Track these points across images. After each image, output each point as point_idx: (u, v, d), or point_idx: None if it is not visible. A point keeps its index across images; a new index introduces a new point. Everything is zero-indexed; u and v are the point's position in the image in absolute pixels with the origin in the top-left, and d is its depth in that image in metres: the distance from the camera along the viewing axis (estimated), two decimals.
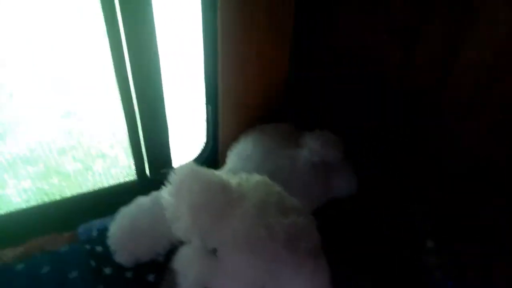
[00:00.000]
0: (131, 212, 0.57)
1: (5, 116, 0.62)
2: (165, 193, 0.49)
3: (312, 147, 0.65)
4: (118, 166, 0.91)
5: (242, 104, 0.72)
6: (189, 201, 0.46)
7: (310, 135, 0.67)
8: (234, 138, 0.72)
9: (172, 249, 0.58)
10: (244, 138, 0.68)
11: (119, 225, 0.57)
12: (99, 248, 0.60)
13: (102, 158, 0.86)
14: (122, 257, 0.57)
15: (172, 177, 0.47)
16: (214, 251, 0.47)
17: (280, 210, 0.46)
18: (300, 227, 0.46)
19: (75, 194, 0.77)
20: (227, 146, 0.72)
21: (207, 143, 0.86)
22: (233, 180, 0.48)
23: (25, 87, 0.60)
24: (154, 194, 0.58)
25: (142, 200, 0.58)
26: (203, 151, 0.87)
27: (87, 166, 0.86)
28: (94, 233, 0.63)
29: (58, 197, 0.76)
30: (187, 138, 0.91)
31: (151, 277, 0.57)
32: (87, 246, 0.61)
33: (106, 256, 0.59)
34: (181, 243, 0.57)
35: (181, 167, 0.47)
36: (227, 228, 0.45)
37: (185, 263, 0.48)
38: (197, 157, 0.86)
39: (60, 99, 0.68)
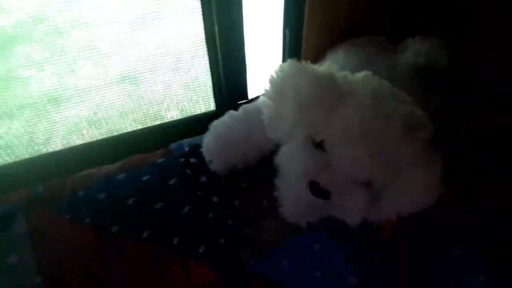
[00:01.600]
0: (225, 122, 0.57)
1: (69, 80, 0.64)
2: (264, 95, 0.48)
3: (416, 49, 0.61)
4: None
5: (327, 23, 0.68)
6: (297, 96, 0.45)
7: (414, 39, 0.63)
8: (316, 60, 0.69)
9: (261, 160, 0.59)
10: (333, 53, 0.65)
11: (213, 134, 0.58)
12: (193, 160, 0.61)
13: (160, 120, 0.87)
14: (217, 165, 0.58)
15: (273, 78, 0.45)
16: (321, 145, 0.46)
17: (396, 99, 0.43)
18: (417, 117, 0.43)
19: (155, 124, 0.79)
20: None
21: None
22: (339, 74, 0.46)
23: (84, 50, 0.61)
24: (244, 106, 0.58)
25: (233, 112, 0.59)
26: None
27: None
28: (186, 149, 0.65)
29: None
30: (261, 66, 0.89)
31: (244, 184, 0.57)
32: (182, 159, 0.62)
33: (201, 166, 0.60)
34: (272, 152, 0.57)
35: (282, 65, 0.45)
36: (340, 118, 0.43)
37: (289, 158, 0.47)
38: None
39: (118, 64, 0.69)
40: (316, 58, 0.73)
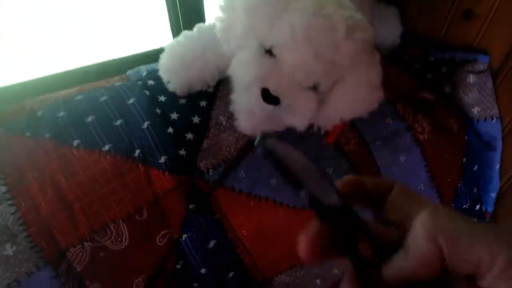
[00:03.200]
0: (179, 42, 0.58)
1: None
2: (217, 9, 0.49)
3: None
4: None
5: None
6: (245, 2, 0.47)
7: None
8: None
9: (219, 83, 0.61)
10: None
11: (169, 55, 0.59)
12: (151, 82, 0.62)
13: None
14: (175, 85, 0.60)
15: None
16: (270, 52, 0.49)
17: (338, 4, 0.46)
18: (358, 19, 0.46)
19: (116, 58, 0.78)
20: None
21: None
22: None
23: None
24: (198, 25, 0.59)
25: (188, 32, 0.60)
26: None
27: None
28: (144, 73, 0.65)
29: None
30: None
31: (203, 103, 0.60)
32: (140, 82, 0.63)
33: (159, 88, 0.62)
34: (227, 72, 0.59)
35: None
36: (285, 23, 0.46)
37: (241, 67, 0.50)
38: None
39: None
40: None
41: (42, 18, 0.70)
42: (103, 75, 0.73)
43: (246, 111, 0.55)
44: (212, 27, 0.57)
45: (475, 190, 0.78)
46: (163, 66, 0.60)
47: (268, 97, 0.49)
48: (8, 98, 0.62)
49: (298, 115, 0.51)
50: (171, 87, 0.60)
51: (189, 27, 0.79)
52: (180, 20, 0.81)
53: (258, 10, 0.46)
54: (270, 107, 0.50)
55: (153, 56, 0.76)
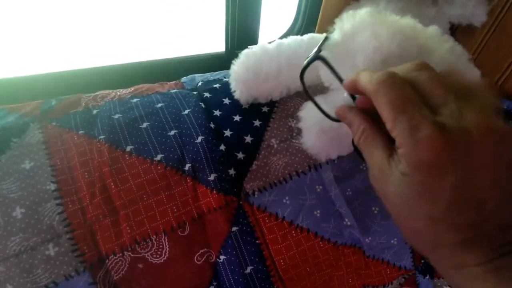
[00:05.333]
0: (256, 53, 0.57)
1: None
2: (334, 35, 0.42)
3: (465, 3, 0.61)
4: None
5: None
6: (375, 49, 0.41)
7: None
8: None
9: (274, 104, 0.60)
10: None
11: (244, 64, 0.58)
12: (207, 94, 0.61)
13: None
14: (241, 95, 0.59)
15: (341, 25, 0.41)
16: None
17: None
18: None
19: (170, 57, 0.78)
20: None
21: (295, 20, 0.84)
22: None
23: None
24: (278, 41, 0.58)
25: (266, 45, 0.58)
26: (291, 28, 0.85)
27: None
28: (199, 83, 0.65)
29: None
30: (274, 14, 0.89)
31: (257, 123, 0.58)
32: (195, 93, 0.62)
33: (215, 101, 0.61)
34: (297, 93, 0.58)
35: (355, 13, 0.41)
36: None
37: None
38: (285, 33, 0.85)
39: None
40: (338, 9, 0.73)
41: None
42: (150, 74, 0.73)
43: (316, 130, 0.53)
44: (290, 45, 0.56)
45: None
46: (235, 74, 0.59)
47: None
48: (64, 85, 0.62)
49: None
50: (237, 95, 0.60)
51: (242, 41, 0.78)
52: (236, 33, 0.80)
53: (391, 61, 0.40)
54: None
55: (204, 62, 0.76)
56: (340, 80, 0.34)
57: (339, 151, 0.56)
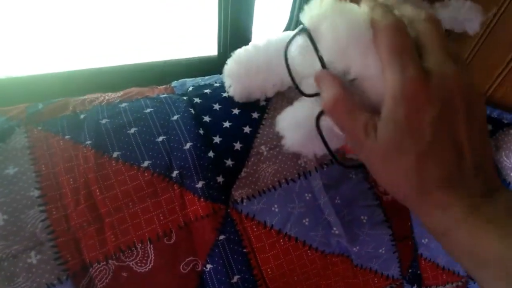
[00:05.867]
0: (248, 50, 0.57)
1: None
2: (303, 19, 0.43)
3: (459, 7, 0.61)
4: None
5: None
6: (334, 37, 0.43)
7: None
8: None
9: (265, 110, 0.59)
10: None
11: (236, 60, 0.58)
12: (197, 100, 0.61)
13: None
14: (235, 90, 0.59)
15: (309, 13, 0.43)
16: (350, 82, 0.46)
17: None
18: None
19: (161, 60, 0.78)
20: None
21: (288, 25, 0.84)
22: None
23: None
24: (268, 37, 0.58)
25: (256, 42, 0.59)
26: (286, 29, 0.85)
27: None
28: (190, 88, 0.64)
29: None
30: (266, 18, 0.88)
31: (247, 129, 0.58)
32: (185, 98, 0.62)
33: (205, 107, 0.60)
34: (288, 99, 0.58)
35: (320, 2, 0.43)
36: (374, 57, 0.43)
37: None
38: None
39: None
40: None
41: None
42: (141, 76, 0.72)
43: (293, 125, 0.53)
44: (280, 39, 0.56)
45: None
46: (228, 70, 0.59)
47: None
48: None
49: None
50: (231, 91, 0.60)
51: (235, 45, 0.78)
52: (228, 36, 0.79)
53: (348, 47, 0.43)
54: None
55: (196, 65, 0.75)
56: (320, 59, 0.38)
57: (321, 149, 0.55)
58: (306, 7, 0.44)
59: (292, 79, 0.43)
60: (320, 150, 0.55)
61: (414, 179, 0.29)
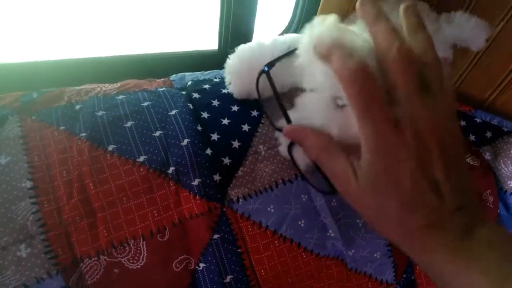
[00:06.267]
0: (252, 47, 0.56)
1: None
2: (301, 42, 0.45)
3: (461, 23, 0.61)
4: None
5: None
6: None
7: (461, 13, 0.62)
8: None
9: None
10: None
11: (239, 56, 0.57)
12: (196, 95, 0.60)
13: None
14: (235, 87, 0.59)
15: (312, 30, 0.42)
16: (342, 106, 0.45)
17: None
18: None
19: (161, 52, 0.76)
20: None
21: (291, 22, 0.83)
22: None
23: None
24: (274, 37, 0.57)
25: (263, 41, 0.58)
26: (286, 30, 0.84)
27: None
28: (189, 82, 0.63)
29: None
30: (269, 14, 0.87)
31: (246, 127, 0.57)
32: (184, 92, 0.61)
33: (203, 103, 0.59)
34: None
35: (323, 19, 0.42)
36: None
37: (315, 109, 0.46)
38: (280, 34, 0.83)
39: None
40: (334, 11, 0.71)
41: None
42: (139, 67, 0.71)
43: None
44: (286, 41, 0.56)
45: None
46: (229, 67, 0.59)
47: None
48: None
49: None
50: (230, 88, 0.60)
51: (235, 41, 0.77)
52: (230, 32, 0.78)
53: None
54: None
55: (195, 59, 0.74)
56: (280, 105, 0.41)
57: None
58: (307, 25, 0.43)
59: (280, 105, 0.42)
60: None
61: (398, 227, 0.30)
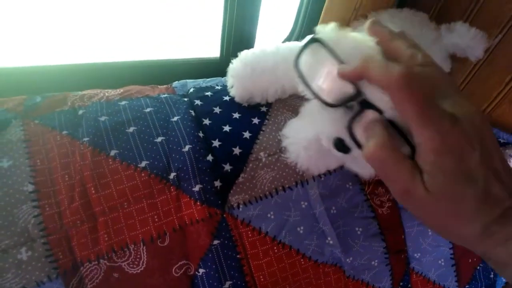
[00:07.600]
0: (255, 53, 0.57)
1: None
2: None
3: (462, 33, 0.62)
4: None
5: None
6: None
7: (461, 23, 0.64)
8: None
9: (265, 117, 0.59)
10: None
11: (242, 61, 0.59)
12: (198, 102, 0.60)
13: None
14: (237, 90, 0.60)
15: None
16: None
17: None
18: None
19: (163, 59, 0.77)
20: None
21: (293, 30, 0.84)
22: None
23: None
24: (277, 43, 0.58)
25: (265, 47, 0.60)
26: (288, 38, 0.85)
27: None
28: (191, 90, 0.64)
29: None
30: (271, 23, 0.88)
31: (247, 134, 0.58)
32: (186, 99, 0.61)
33: (205, 109, 0.60)
34: (289, 106, 0.57)
35: (324, 28, 0.43)
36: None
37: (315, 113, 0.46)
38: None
39: None
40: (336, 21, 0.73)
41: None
42: (141, 74, 0.71)
43: (302, 145, 0.53)
44: (289, 48, 0.58)
45: (491, 275, 0.76)
46: (232, 70, 0.60)
47: (340, 146, 0.46)
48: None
49: (365, 167, 0.49)
50: (232, 91, 0.61)
51: (237, 49, 0.78)
52: (232, 40, 0.79)
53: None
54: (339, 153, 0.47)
55: (198, 66, 0.75)
56: (341, 62, 0.33)
57: (327, 165, 0.56)
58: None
59: (308, 86, 0.41)
60: (325, 168, 0.56)
61: (477, 224, 0.29)
